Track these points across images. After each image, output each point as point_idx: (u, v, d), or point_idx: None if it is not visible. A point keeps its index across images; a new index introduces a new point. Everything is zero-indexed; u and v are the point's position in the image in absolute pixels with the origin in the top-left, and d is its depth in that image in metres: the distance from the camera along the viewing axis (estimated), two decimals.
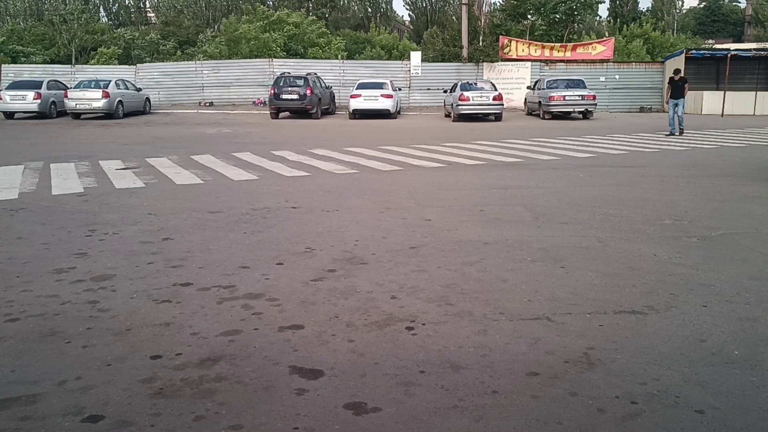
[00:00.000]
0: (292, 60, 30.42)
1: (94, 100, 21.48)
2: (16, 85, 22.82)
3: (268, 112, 23.38)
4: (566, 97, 22.30)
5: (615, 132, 17.50)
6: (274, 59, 29.80)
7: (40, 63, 30.12)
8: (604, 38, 33.28)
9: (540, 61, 29.91)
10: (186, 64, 31.07)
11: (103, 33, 35.14)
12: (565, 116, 22.82)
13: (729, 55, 26.81)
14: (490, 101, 21.69)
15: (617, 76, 29.55)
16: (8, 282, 4.46)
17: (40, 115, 22.06)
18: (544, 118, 22.75)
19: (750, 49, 31.72)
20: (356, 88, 23.10)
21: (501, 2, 36.57)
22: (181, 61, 32.70)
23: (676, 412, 2.71)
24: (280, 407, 2.76)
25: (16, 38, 31.64)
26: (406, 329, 3.61)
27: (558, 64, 29.86)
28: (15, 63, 29.50)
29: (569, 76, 26.19)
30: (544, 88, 23.32)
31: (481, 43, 30.86)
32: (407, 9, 56.01)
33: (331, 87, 25.90)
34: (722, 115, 24.83)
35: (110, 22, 45.70)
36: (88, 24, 34.24)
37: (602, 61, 30.11)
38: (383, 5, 55.98)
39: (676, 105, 16.74)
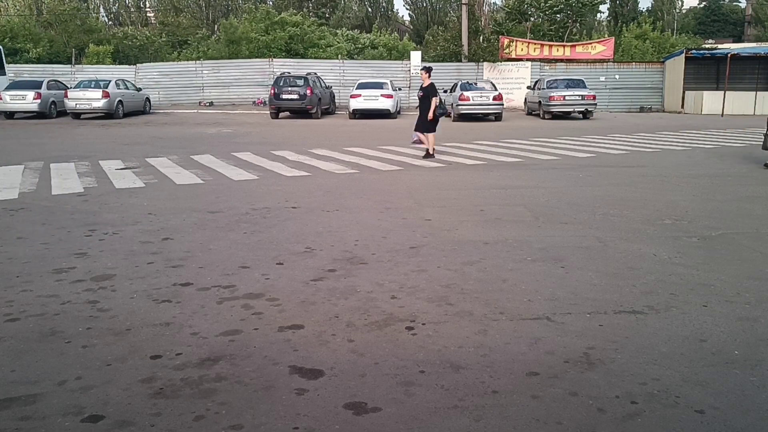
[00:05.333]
0: (292, 60, 30.41)
1: (94, 100, 21.46)
2: (16, 85, 22.79)
3: (268, 112, 23.38)
4: (566, 97, 22.30)
5: (615, 132, 17.50)
6: (274, 59, 29.80)
7: (34, 58, 30.03)
8: (604, 38, 33.28)
9: (540, 60, 29.92)
10: (186, 64, 31.04)
11: (100, 32, 35.04)
12: (565, 116, 22.81)
13: (729, 55, 26.81)
14: (490, 101, 21.69)
15: (617, 76, 29.55)
16: (8, 282, 4.46)
17: (40, 115, 22.04)
18: (544, 118, 22.75)
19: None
20: (356, 88, 23.09)
21: (502, 1, 36.65)
22: (179, 60, 32.66)
23: (676, 412, 2.71)
24: (280, 407, 2.76)
25: (11, 36, 31.47)
26: (406, 329, 3.61)
27: (558, 64, 29.87)
28: (12, 61, 29.42)
29: (569, 76, 26.20)
30: (544, 88, 23.31)
31: (482, 43, 30.86)
32: (407, 9, 56.03)
33: (331, 87, 25.89)
34: (722, 115, 24.83)
35: (110, 22, 45.68)
36: (84, 23, 34.14)
37: (602, 61, 30.12)
38: (383, 5, 55.98)
39: None
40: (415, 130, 11.77)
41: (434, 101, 11.33)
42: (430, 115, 11.27)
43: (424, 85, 11.70)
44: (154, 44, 34.83)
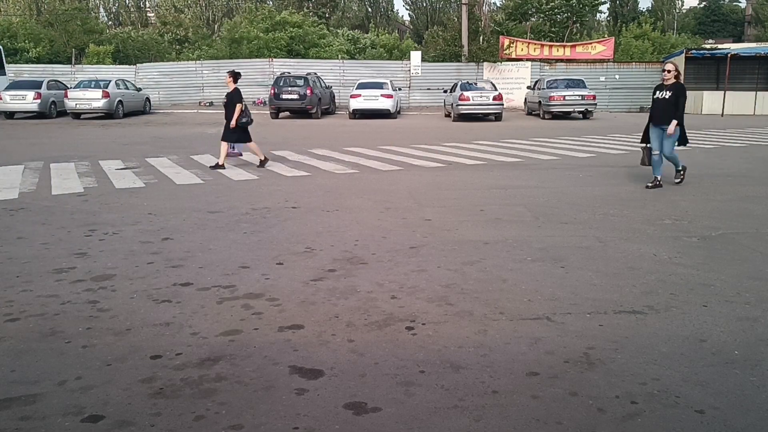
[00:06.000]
0: (292, 60, 30.42)
1: (94, 100, 21.47)
2: (16, 85, 22.78)
3: (268, 112, 23.39)
4: (566, 97, 22.30)
5: (615, 132, 17.50)
6: (274, 59, 29.81)
7: (34, 58, 30.03)
8: (604, 38, 33.29)
9: (540, 60, 29.93)
10: (186, 64, 31.05)
11: (101, 32, 35.05)
12: (565, 116, 22.81)
13: (729, 55, 26.83)
14: (490, 101, 21.70)
15: (617, 76, 29.55)
16: (8, 282, 4.46)
17: (40, 115, 22.04)
18: (544, 118, 22.75)
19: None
20: (356, 88, 23.10)
21: (502, 1, 36.68)
22: (179, 60, 32.66)
23: (676, 412, 2.71)
24: (280, 407, 2.76)
25: (10, 36, 31.42)
26: (406, 329, 3.61)
27: (558, 64, 29.88)
28: (12, 61, 29.43)
29: (569, 76, 26.20)
30: (544, 88, 23.32)
31: (482, 43, 30.87)
32: (407, 9, 56.04)
33: (331, 87, 25.90)
34: (722, 115, 24.84)
35: (110, 22, 45.69)
36: (85, 24, 34.15)
37: (602, 61, 30.12)
38: (383, 5, 56.00)
39: None
40: (222, 139, 10.43)
41: (238, 108, 10.12)
42: (233, 123, 10.08)
43: (229, 91, 10.36)
44: (157, 45, 34.81)
